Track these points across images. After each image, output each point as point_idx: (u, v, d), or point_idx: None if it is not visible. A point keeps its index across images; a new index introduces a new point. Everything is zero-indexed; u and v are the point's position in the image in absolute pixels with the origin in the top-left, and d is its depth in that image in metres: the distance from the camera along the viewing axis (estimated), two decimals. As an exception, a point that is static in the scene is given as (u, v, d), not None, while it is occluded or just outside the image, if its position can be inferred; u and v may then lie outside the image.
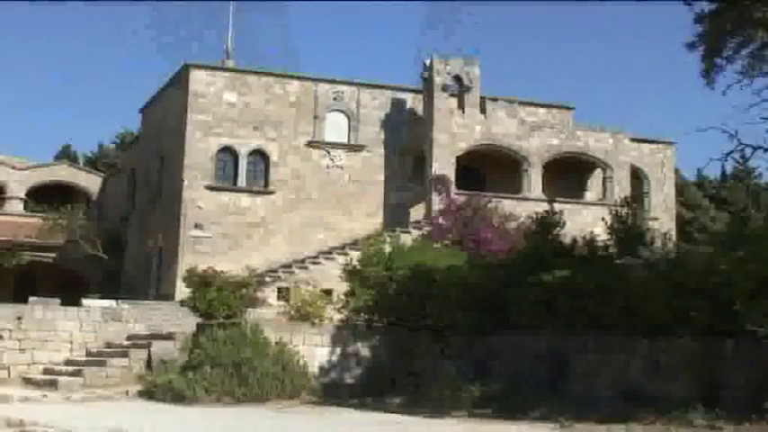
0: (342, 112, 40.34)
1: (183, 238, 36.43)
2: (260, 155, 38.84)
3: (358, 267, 25.97)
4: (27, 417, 16.27)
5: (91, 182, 48.85)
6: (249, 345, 21.69)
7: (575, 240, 22.18)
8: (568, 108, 44.36)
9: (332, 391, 22.06)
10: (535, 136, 40.75)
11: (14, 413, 16.80)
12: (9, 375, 23.54)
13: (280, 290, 33.61)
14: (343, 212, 39.01)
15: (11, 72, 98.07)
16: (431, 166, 38.55)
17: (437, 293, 22.63)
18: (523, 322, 20.87)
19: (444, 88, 39.43)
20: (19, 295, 32.35)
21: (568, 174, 41.35)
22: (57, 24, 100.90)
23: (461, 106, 39.95)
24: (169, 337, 23.80)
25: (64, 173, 48.65)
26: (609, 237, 22.01)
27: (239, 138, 38.41)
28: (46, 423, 15.61)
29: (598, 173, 42.33)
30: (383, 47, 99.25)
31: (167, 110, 40.92)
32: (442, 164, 38.55)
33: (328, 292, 29.14)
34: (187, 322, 27.58)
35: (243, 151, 38.43)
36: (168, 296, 35.26)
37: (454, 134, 39.25)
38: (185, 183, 37.13)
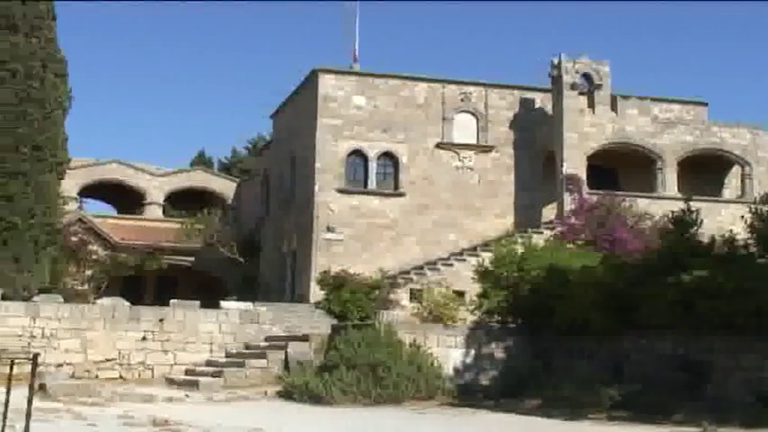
0: (470, 112, 40.28)
1: (316, 241, 36.99)
2: (389, 157, 39.10)
3: (490, 268, 25.93)
4: (171, 416, 16.79)
5: (225, 187, 50.01)
6: (383, 346, 21.87)
7: (713, 239, 21.60)
8: (702, 104, 43.30)
9: (467, 393, 22.07)
10: (668, 133, 39.90)
11: (159, 412, 17.36)
12: (153, 376, 24.37)
13: (412, 291, 33.76)
14: (473, 213, 38.93)
15: (149, 81, 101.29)
16: (561, 166, 38.16)
17: (571, 294, 22.38)
18: (655, 323, 20.46)
19: (574, 87, 38.97)
20: (160, 298, 33.38)
21: (704, 171, 40.26)
22: (190, 33, 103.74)
23: (591, 105, 39.42)
24: (305, 338, 24.21)
25: (199, 178, 49.93)
26: (749, 236, 21.35)
27: (368, 141, 38.76)
28: (189, 422, 16.04)
29: (736, 170, 41.11)
30: (509, 46, 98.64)
31: (298, 115, 41.60)
32: (573, 163, 38.12)
33: (460, 294, 29.20)
34: (322, 324, 28.02)
35: (372, 154, 38.78)
36: (303, 298, 35.86)
37: (585, 133, 38.77)
38: (317, 186, 37.68)
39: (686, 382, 19.38)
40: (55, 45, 31.70)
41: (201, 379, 22.66)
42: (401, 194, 38.56)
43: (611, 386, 19.69)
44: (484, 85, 40.63)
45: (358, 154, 38.81)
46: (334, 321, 27.77)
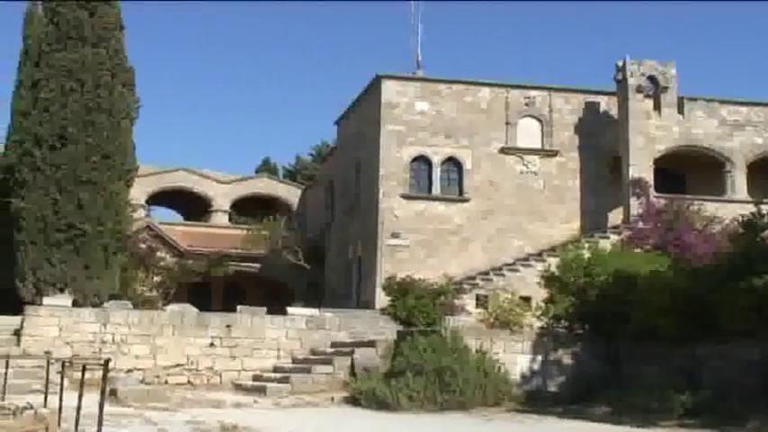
0: (534, 117, 40.05)
1: (381, 247, 37.03)
2: (453, 163, 39.02)
3: (556, 274, 25.78)
4: (240, 422, 16.93)
5: (290, 193, 50.31)
6: (450, 352, 21.82)
7: (786, 243, 21.19)
8: (773, 105, 42.49)
9: (534, 399, 21.94)
10: (737, 135, 39.33)
11: (228, 418, 17.50)
12: (221, 381, 24.63)
13: (478, 297, 33.66)
14: (538, 219, 38.67)
15: (214, 89, 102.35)
16: (628, 170, 37.78)
17: (639, 299, 22.16)
18: (732, 329, 20.10)
19: (639, 90, 38.60)
20: (227, 304, 33.69)
21: (776, 174, 39.58)
22: (255, 41, 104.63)
23: (658, 107, 38.99)
24: (371, 344, 24.25)
25: (265, 185, 50.28)
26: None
27: (432, 146, 38.73)
28: (258, 428, 16.18)
29: (808, 172, 40.30)
30: (573, 49, 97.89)
31: (361, 121, 41.73)
32: (640, 167, 37.71)
33: (527, 299, 29.04)
34: (387, 330, 28.04)
35: (436, 159, 38.73)
36: (368, 304, 35.91)
37: (651, 136, 38.38)
38: (381, 192, 37.74)
39: (764, 389, 19.02)
40: (122, 55, 32.19)
41: (269, 385, 22.82)
42: (466, 200, 38.44)
43: (683, 393, 19.41)
44: (548, 89, 40.38)
45: (422, 160, 38.77)
46: (400, 327, 27.79)
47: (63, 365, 19.01)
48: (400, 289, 31.70)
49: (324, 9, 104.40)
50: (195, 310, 26.32)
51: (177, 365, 24.68)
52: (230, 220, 47.85)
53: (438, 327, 24.88)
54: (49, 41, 31.12)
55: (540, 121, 39.95)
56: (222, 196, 48.35)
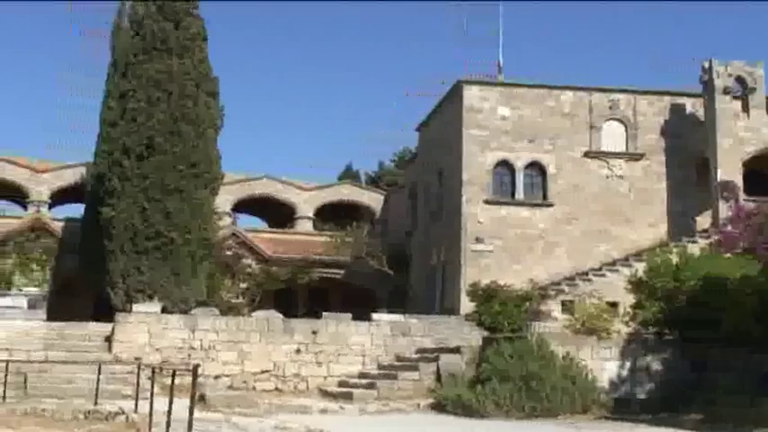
0: (618, 120, 39.57)
1: (465, 253, 36.90)
2: (537, 167, 38.74)
3: (644, 279, 25.37)
4: (327, 427, 17.02)
5: (373, 200, 50.41)
6: (536, 359, 21.60)
7: None
8: None
9: (623, 407, 21.59)
10: (832, 134, 38.27)
11: (315, 424, 17.61)
12: (308, 387, 24.77)
13: (564, 303, 33.31)
14: (624, 223, 38.15)
15: (296, 97, 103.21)
16: (715, 173, 37.08)
17: (730, 305, 21.67)
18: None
19: (726, 91, 37.87)
20: (312, 310, 33.89)
21: None
22: (336, 49, 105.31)
23: (746, 109, 38.20)
24: (456, 350, 24.14)
25: (348, 192, 50.46)
26: None
27: (515, 151, 38.50)
28: (344, 434, 16.26)
29: None
30: (656, 51, 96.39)
31: (443, 127, 41.66)
32: (728, 169, 36.98)
33: (614, 305, 28.60)
34: (472, 336, 27.94)
35: (519, 164, 38.49)
36: (453, 310, 35.80)
37: (740, 138, 37.62)
38: (464, 198, 37.63)
39: None
40: (206, 65, 32.72)
41: (355, 391, 22.88)
42: (550, 205, 38.12)
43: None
44: (632, 91, 39.88)
45: (504, 165, 38.57)
46: (485, 333, 27.59)
47: (153, 371, 19.34)
48: (485, 295, 31.46)
49: (406, 16, 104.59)
50: (281, 316, 26.53)
51: (264, 371, 24.90)
52: (314, 226, 48.10)
53: (523, 333, 24.67)
54: (135, 53, 31.79)
55: (624, 124, 39.44)
56: (306, 203, 48.65)
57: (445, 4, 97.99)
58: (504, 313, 30.20)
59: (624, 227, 38.07)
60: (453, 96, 40.13)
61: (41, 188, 44.69)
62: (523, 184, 38.59)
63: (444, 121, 41.56)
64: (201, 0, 33.08)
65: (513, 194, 38.31)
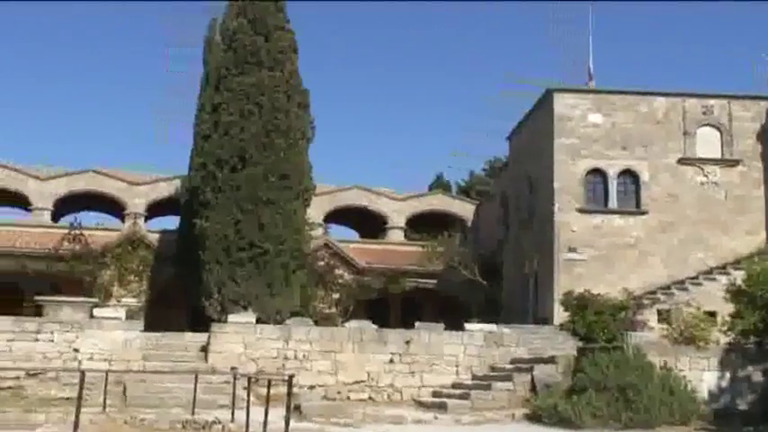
0: (713, 126, 38.70)
1: (558, 262, 36.48)
2: (629, 175, 38.11)
3: (743, 287, 24.77)
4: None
5: (464, 209, 50.25)
6: (633, 369, 21.27)
7: None
8: None
9: (723, 418, 21.12)
10: None
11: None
12: (401, 398, 24.76)
13: (660, 312, 32.70)
14: (721, 230, 37.27)
15: (387, 108, 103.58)
16: (817, 178, 36.09)
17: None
18: None
19: (826, 94, 36.85)
20: (404, 320, 33.92)
21: None
22: (424, 57, 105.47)
23: None
24: (551, 360, 23.90)
25: (439, 202, 50.41)
26: None
27: (607, 159, 37.95)
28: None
29: None
30: (749, 55, 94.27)
31: (533, 135, 41.33)
32: (830, 174, 35.96)
33: (712, 314, 27.97)
34: (566, 346, 27.63)
35: (612, 172, 37.93)
36: (546, 319, 35.43)
37: (841, 142, 36.54)
38: (556, 206, 37.23)
39: None
40: (297, 77, 33.05)
41: (449, 401, 22.78)
42: (643, 212, 37.46)
43: None
44: (726, 96, 38.95)
45: (597, 172, 38.05)
46: (579, 343, 27.27)
47: (249, 381, 19.53)
48: (579, 304, 31.09)
49: (495, 24, 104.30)
50: (374, 326, 26.57)
51: (358, 381, 24.98)
52: (405, 236, 48.14)
53: (619, 343, 24.28)
54: (227, 66, 32.26)
55: (718, 129, 38.57)
56: (397, 213, 48.73)
57: (534, 11, 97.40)
58: (598, 323, 29.81)
59: (721, 234, 37.20)
60: (543, 104, 39.79)
61: (138, 201, 45.65)
62: (616, 191, 37.98)
63: (535, 130, 41.23)
64: (290, 0, 33.35)
65: (605, 203, 37.75)
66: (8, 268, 39.04)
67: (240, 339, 25.18)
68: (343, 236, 48.70)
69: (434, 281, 42.82)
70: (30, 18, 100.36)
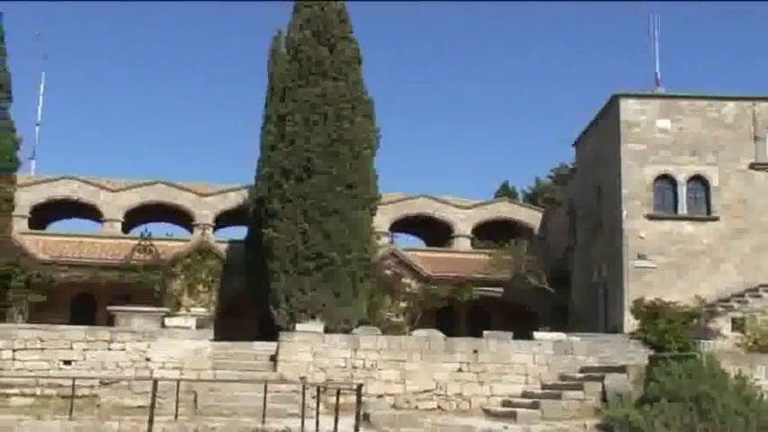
0: (785, 130, 37.94)
1: (627, 269, 36.01)
2: (699, 180, 37.53)
3: (821, 295, 24.25)
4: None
5: (531, 217, 49.89)
6: (706, 378, 20.84)
7: None
8: None
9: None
10: None
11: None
12: (470, 407, 24.64)
13: (734, 320, 32.11)
14: (796, 237, 36.53)
15: (451, 115, 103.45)
16: None
17: None
18: None
19: None
20: (472, 329, 33.76)
21: None
22: (488, 65, 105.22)
23: None
24: (622, 369, 23.61)
25: (505, 209, 50.08)
26: None
27: (676, 164, 37.42)
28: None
29: None
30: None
31: (600, 141, 40.90)
32: None
33: (788, 322, 27.45)
34: (637, 354, 27.32)
35: (681, 178, 37.39)
36: (616, 328, 35.00)
37: None
38: (624, 213, 36.80)
39: None
40: (361, 87, 33.18)
41: (519, 410, 22.59)
42: (715, 219, 36.84)
43: None
44: (798, 99, 38.21)
45: (665, 179, 37.52)
46: (651, 352, 26.92)
47: (318, 390, 19.61)
48: (649, 312, 30.71)
49: (559, 29, 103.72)
50: (441, 335, 26.48)
51: (426, 390, 24.90)
52: (472, 244, 47.92)
53: (692, 351, 23.89)
54: (292, 77, 32.51)
55: (791, 133, 37.83)
56: (463, 221, 48.53)
57: (599, 16, 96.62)
58: (670, 331, 29.43)
59: (796, 241, 36.44)
60: (609, 110, 39.37)
61: (206, 211, 46.09)
62: (686, 197, 37.42)
63: (601, 136, 40.82)
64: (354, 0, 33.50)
65: (675, 209, 37.20)
66: (82, 278, 39.73)
67: (308, 348, 25.26)
68: (409, 244, 48.66)
69: (502, 289, 42.54)
70: (97, 37, 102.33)
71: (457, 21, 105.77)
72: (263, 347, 26.58)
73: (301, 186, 31.26)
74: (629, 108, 38.08)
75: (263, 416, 19.84)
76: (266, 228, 31.39)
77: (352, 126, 32.03)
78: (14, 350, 23.93)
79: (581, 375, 24.73)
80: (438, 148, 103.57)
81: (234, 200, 45.74)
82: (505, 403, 24.29)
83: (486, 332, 26.81)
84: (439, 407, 24.58)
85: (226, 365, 24.88)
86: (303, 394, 20.14)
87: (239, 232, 44.41)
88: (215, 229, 46.44)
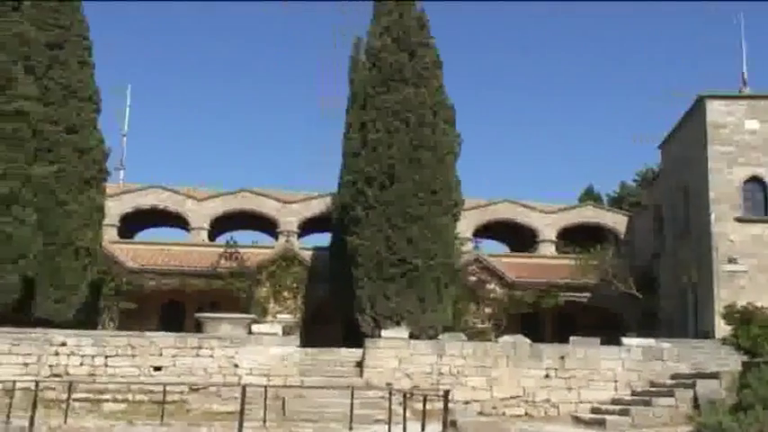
0: None
1: (717, 274, 35.23)
2: (790, 182, 36.62)
3: None
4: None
5: (616, 221, 49.18)
6: (803, 385, 20.33)
7: None
8: None
9: None
10: None
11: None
12: (558, 413, 24.44)
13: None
14: None
15: (533, 120, 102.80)
16: None
17: None
18: None
19: None
20: (558, 335, 33.42)
21: None
22: (573, 72, 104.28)
23: None
24: (714, 376, 23.14)
25: (590, 213, 49.45)
26: None
27: (766, 166, 36.54)
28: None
29: None
30: None
31: (686, 144, 40.15)
32: None
33: None
34: (730, 360, 26.81)
35: (771, 180, 36.54)
36: (707, 333, 34.23)
37: None
38: (713, 216, 36.03)
39: None
40: (442, 93, 33.11)
41: (608, 417, 22.30)
42: (807, 220, 35.89)
43: None
44: None
45: (755, 180, 36.63)
46: (743, 358, 26.32)
47: (404, 396, 19.60)
48: (742, 318, 29.99)
49: (645, 31, 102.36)
50: (528, 341, 26.29)
51: (513, 397, 24.77)
52: (556, 249, 47.44)
53: (788, 357, 23.30)
54: (373, 85, 32.57)
55: None
56: (547, 226, 48.07)
57: (683, 16, 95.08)
58: (763, 336, 28.72)
59: None
60: (695, 112, 38.62)
61: (290, 219, 46.44)
62: (777, 199, 36.53)
63: (687, 138, 40.06)
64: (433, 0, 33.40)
65: (765, 211, 36.31)
66: (170, 286, 40.39)
67: (394, 355, 25.32)
68: (493, 250, 48.44)
69: (588, 294, 42.05)
70: (178, 47, 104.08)
71: (537, 24, 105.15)
72: (349, 354, 26.70)
73: (384, 193, 31.30)
74: (715, 109, 37.32)
75: (350, 421, 19.92)
76: (350, 235, 31.49)
77: (433, 132, 31.97)
78: (107, 357, 24.48)
79: (672, 382, 24.31)
80: (520, 152, 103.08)
81: (317, 207, 46.00)
82: (594, 410, 24.01)
83: (572, 338, 26.58)
84: (526, 413, 24.42)
85: (312, 372, 25.05)
86: (389, 400, 20.15)
87: (323, 239, 44.68)
88: (299, 236, 46.78)
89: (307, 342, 27.84)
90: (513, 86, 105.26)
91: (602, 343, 26.43)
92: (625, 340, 26.54)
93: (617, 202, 58.83)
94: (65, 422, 19.66)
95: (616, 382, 25.21)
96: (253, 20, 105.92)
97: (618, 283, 39.63)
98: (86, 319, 31.76)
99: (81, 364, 24.39)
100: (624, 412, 22.51)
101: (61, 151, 31.07)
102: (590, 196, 59.24)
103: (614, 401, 24.28)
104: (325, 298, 37.83)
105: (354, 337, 29.34)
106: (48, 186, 30.13)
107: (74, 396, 21.41)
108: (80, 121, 31.91)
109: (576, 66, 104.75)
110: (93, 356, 24.46)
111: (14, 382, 21.18)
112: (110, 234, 41.90)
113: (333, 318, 37.21)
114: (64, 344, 24.61)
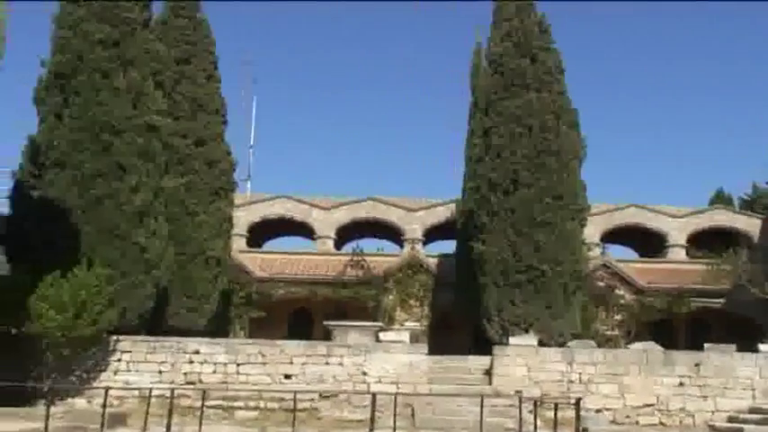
0: None
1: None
2: None
3: None
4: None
5: (749, 224, 47.66)
6: None
7: None
8: None
9: None
10: None
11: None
12: (694, 423, 23.88)
13: None
14: None
15: (660, 123, 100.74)
16: None
17: None
18: None
19: None
20: (692, 342, 32.63)
21: None
22: (681, 78, 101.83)
23: None
24: None
25: (721, 217, 48.10)
26: None
27: None
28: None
29: None
30: None
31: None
32: None
33: None
34: None
35: None
36: None
37: None
38: None
39: None
40: (565, 97, 32.73)
41: (746, 427, 21.72)
42: None
43: None
44: None
45: None
46: None
47: (535, 404, 19.40)
48: None
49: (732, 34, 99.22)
50: (660, 348, 25.73)
51: (647, 405, 24.28)
52: (687, 254, 46.27)
53: None
54: (495, 90, 32.41)
55: None
56: (677, 231, 46.94)
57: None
58: None
59: None
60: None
61: (415, 226, 46.54)
62: None
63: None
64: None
65: None
66: (299, 294, 40.97)
67: (523, 362, 25.12)
68: (621, 255, 47.50)
69: (721, 300, 40.86)
70: (300, 56, 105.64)
71: (664, 23, 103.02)
72: (477, 361, 26.60)
73: (509, 199, 31.06)
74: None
75: (481, 430, 19.80)
76: (475, 241, 31.36)
77: (556, 137, 31.60)
78: (238, 364, 24.94)
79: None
80: (646, 155, 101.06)
81: (442, 214, 45.99)
82: (732, 419, 23.34)
83: (707, 345, 25.89)
84: (661, 422, 23.91)
85: (440, 379, 25.02)
86: (520, 408, 19.98)
87: (446, 246, 44.63)
88: (423, 243, 46.84)
89: (433, 349, 27.80)
90: (639, 88, 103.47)
91: (738, 350, 25.66)
92: (762, 347, 25.71)
93: (749, 205, 57.01)
94: (200, 429, 20.08)
95: (753, 390, 24.44)
96: (373, 29, 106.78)
97: (753, 288, 38.38)
98: (217, 328, 32.40)
99: (214, 372, 24.89)
100: (763, 422, 21.87)
101: (191, 164, 31.92)
102: (721, 199, 57.58)
103: (752, 410, 23.53)
104: (450, 305, 37.77)
105: (482, 345, 29.20)
106: (178, 198, 30.93)
107: (207, 403, 21.86)
108: (208, 134, 32.72)
109: (704, 65, 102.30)
110: (225, 364, 24.94)
111: (150, 389, 21.72)
112: (238, 244, 42.69)
113: (458, 325, 37.12)
114: (197, 352, 25.17)
